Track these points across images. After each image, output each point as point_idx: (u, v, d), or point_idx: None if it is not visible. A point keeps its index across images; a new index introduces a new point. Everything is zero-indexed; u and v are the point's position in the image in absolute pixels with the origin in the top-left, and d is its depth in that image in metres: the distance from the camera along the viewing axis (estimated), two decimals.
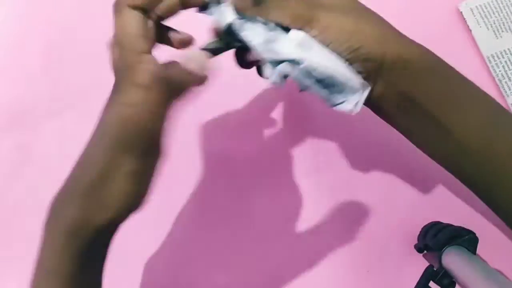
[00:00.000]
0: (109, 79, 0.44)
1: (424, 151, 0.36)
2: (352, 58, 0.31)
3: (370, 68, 0.31)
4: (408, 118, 0.33)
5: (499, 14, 0.43)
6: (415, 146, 0.42)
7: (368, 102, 0.33)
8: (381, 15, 0.46)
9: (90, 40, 0.45)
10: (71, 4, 0.45)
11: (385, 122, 0.34)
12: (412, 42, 0.33)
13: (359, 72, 0.31)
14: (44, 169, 0.42)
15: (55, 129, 0.43)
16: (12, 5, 0.45)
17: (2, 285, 0.40)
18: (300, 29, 0.30)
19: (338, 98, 0.31)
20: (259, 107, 0.43)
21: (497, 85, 0.43)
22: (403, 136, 0.43)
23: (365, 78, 0.31)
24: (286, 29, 0.30)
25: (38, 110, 0.43)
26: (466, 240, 0.37)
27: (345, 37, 0.30)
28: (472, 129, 0.32)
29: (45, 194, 0.42)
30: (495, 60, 0.43)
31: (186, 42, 0.32)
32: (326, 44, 0.30)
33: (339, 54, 0.30)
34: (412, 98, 0.32)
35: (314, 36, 0.30)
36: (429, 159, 0.42)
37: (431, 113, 0.32)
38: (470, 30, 0.44)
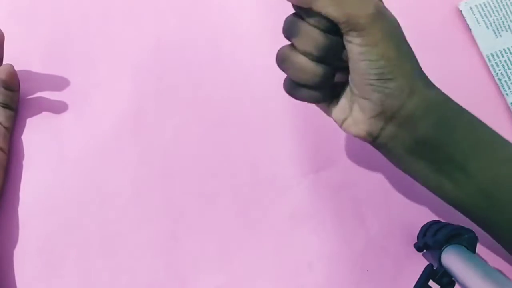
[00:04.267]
0: (109, 79, 0.44)
1: (435, 193, 0.34)
2: (377, 87, 0.30)
3: (390, 106, 0.30)
4: (423, 164, 0.32)
5: (498, 13, 0.43)
6: None
7: (374, 141, 0.32)
8: None
9: (90, 40, 0.45)
10: (71, 3, 0.45)
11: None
12: (435, 86, 0.32)
13: (378, 103, 0.30)
14: (43, 168, 0.42)
15: (54, 129, 0.43)
16: (12, 4, 0.45)
17: (3, 283, 0.40)
18: (348, 31, 0.29)
19: None
20: (259, 107, 0.43)
21: (496, 84, 0.43)
22: None
23: (378, 114, 0.31)
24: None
25: (38, 109, 0.43)
26: (466, 239, 0.37)
27: (383, 63, 0.29)
28: (493, 171, 0.31)
29: (45, 194, 0.42)
30: (494, 59, 0.43)
31: None
32: (362, 59, 0.29)
33: (366, 74, 0.29)
34: (432, 144, 0.31)
35: (357, 44, 0.29)
36: None
37: (453, 158, 0.31)
38: (470, 29, 0.44)
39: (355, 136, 0.33)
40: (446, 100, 0.32)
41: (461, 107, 0.32)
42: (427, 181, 0.34)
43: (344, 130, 0.33)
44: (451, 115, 0.32)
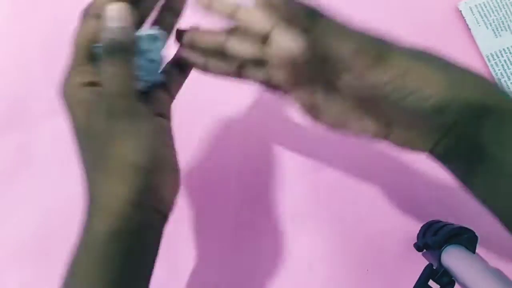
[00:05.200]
0: None
1: (491, 206, 0.32)
2: (431, 111, 0.26)
3: (447, 121, 0.27)
4: (480, 172, 0.29)
5: (498, 13, 0.43)
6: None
7: (432, 153, 0.30)
8: (382, 14, 0.46)
9: None
10: (71, 3, 0.45)
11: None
12: (491, 84, 0.28)
13: (429, 126, 0.27)
14: (43, 168, 0.42)
15: (54, 129, 0.43)
16: (11, 4, 0.45)
17: (2, 283, 0.40)
18: (365, 67, 0.25)
19: None
20: (259, 107, 0.43)
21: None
22: None
23: (432, 131, 0.28)
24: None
25: (38, 109, 0.43)
26: (466, 239, 0.37)
27: (426, 85, 0.26)
28: None
29: (45, 194, 0.42)
30: (494, 59, 0.43)
31: None
32: (405, 94, 0.25)
33: (418, 106, 0.26)
34: (491, 152, 0.28)
35: (386, 83, 0.25)
36: (428, 158, 0.42)
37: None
38: (469, 29, 0.44)
39: (406, 149, 0.30)
40: (508, 100, 0.28)
41: None
42: (479, 191, 0.31)
43: (392, 143, 0.30)
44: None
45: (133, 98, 0.28)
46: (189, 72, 0.34)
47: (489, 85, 0.28)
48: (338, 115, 0.30)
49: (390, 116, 0.28)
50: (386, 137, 0.30)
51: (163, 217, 0.31)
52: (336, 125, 0.31)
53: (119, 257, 0.29)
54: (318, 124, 0.32)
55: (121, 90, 0.28)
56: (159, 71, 0.31)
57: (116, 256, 0.28)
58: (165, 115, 0.32)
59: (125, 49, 0.28)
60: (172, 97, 0.33)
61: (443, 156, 0.30)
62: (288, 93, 0.31)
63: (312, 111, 0.31)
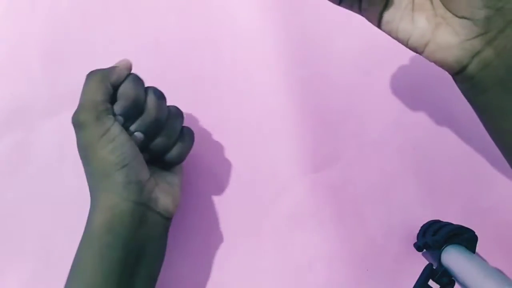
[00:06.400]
0: None
1: (503, 137, 0.31)
2: (489, 1, 0.27)
3: (496, 25, 0.27)
4: (506, 99, 0.29)
5: None
6: (415, 145, 0.42)
7: (460, 72, 0.29)
8: None
9: (89, 39, 0.45)
10: (71, 3, 0.45)
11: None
12: None
13: (482, 22, 0.27)
14: (43, 168, 0.42)
15: (54, 128, 0.43)
16: (11, 3, 0.45)
17: (2, 283, 0.40)
18: None
19: None
20: (259, 106, 0.43)
21: None
22: (402, 135, 0.43)
23: (477, 35, 0.28)
24: None
25: (37, 108, 0.43)
26: (465, 238, 0.37)
27: None
28: None
29: (44, 193, 0.42)
30: None
31: None
32: None
33: None
34: None
35: None
36: (428, 158, 0.42)
37: None
38: None
39: (440, 63, 0.30)
40: None
41: None
42: (505, 120, 0.30)
43: (426, 57, 0.30)
44: None
45: (100, 106, 0.33)
46: None
47: None
48: (393, 12, 0.31)
49: (448, 14, 0.29)
50: (425, 45, 0.30)
51: (163, 218, 0.34)
52: (387, 24, 0.31)
53: (115, 250, 0.31)
54: (369, 20, 0.32)
55: (87, 101, 0.33)
56: None
57: (112, 249, 0.31)
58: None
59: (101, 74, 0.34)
60: None
61: (476, 78, 0.29)
62: None
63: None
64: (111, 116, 0.33)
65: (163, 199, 0.34)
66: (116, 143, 0.32)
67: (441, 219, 0.40)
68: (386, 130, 0.43)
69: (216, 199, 0.41)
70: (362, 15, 0.33)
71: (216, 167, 0.42)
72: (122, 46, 0.44)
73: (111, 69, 0.34)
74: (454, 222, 0.39)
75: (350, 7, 0.32)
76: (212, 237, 0.41)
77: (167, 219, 0.35)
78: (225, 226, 0.41)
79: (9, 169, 0.42)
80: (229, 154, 0.42)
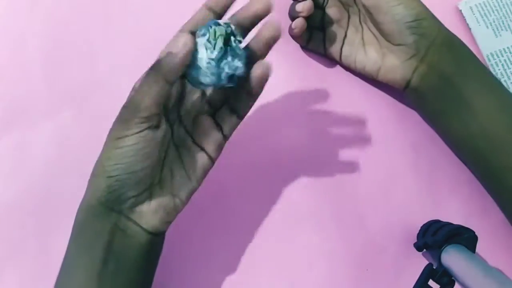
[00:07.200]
0: (108, 78, 0.44)
1: (445, 135, 0.40)
2: (414, 28, 0.36)
3: (424, 45, 0.36)
4: (441, 100, 0.37)
5: (498, 13, 0.43)
6: (415, 145, 0.42)
7: (407, 87, 0.38)
8: None
9: (89, 39, 0.45)
10: (71, 3, 0.45)
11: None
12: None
13: (413, 45, 0.36)
14: (42, 168, 0.42)
15: (54, 128, 0.43)
16: (11, 3, 0.45)
17: (2, 283, 0.40)
18: None
19: None
20: (259, 106, 0.43)
21: None
22: (402, 135, 0.43)
23: (412, 56, 0.37)
24: None
25: (37, 108, 0.43)
26: (465, 238, 0.37)
27: (415, 3, 0.36)
28: (493, 113, 0.36)
29: (44, 193, 0.42)
30: (494, 59, 0.43)
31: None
32: (398, 3, 0.35)
33: (404, 18, 0.36)
34: (451, 80, 0.36)
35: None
36: (428, 158, 0.42)
37: (464, 96, 0.36)
38: (470, 29, 0.44)
39: (392, 82, 0.39)
40: (461, 41, 0.38)
41: (473, 53, 0.38)
42: (441, 122, 0.39)
43: (381, 80, 0.40)
44: (468, 55, 0.38)
45: (137, 114, 0.29)
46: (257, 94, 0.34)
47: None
48: (349, 48, 0.41)
49: (385, 31, 0.37)
50: (378, 71, 0.39)
51: (146, 233, 0.32)
52: (346, 58, 0.41)
53: (93, 249, 0.31)
54: (331, 57, 0.42)
55: (131, 103, 0.30)
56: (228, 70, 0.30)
57: (90, 247, 0.31)
58: (226, 136, 0.35)
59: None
60: (239, 117, 0.35)
61: (418, 89, 0.38)
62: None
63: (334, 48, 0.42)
64: (142, 126, 0.29)
65: (149, 216, 0.32)
66: (120, 152, 0.30)
67: (441, 219, 0.40)
68: (387, 130, 0.43)
69: (214, 198, 0.41)
70: (325, 55, 0.42)
71: (215, 166, 0.42)
72: (122, 46, 0.44)
73: (163, 60, 0.29)
74: (454, 222, 0.39)
75: (316, 48, 0.42)
76: (211, 237, 0.41)
77: (154, 234, 0.32)
78: (224, 225, 0.41)
79: (9, 169, 0.42)
80: (228, 153, 0.42)
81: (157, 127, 0.30)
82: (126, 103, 0.31)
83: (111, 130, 0.31)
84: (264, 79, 0.32)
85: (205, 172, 0.34)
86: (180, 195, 0.33)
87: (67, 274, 0.32)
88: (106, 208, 0.31)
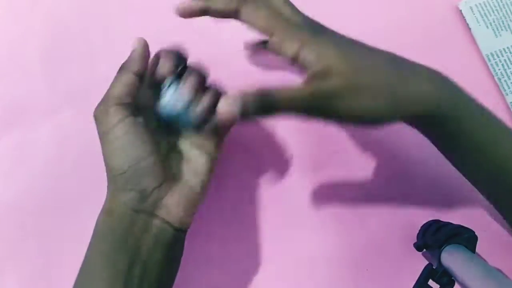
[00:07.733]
0: (108, 78, 0.44)
1: (461, 171, 0.36)
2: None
3: (424, 123, 0.33)
4: (450, 146, 0.34)
5: (498, 13, 0.43)
6: (415, 145, 0.42)
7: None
8: (382, 14, 0.46)
9: (89, 39, 0.45)
10: (71, 3, 0.45)
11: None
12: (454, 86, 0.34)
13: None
14: (42, 168, 0.42)
15: (54, 128, 0.43)
16: (11, 3, 0.45)
17: (2, 283, 0.40)
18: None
19: None
20: None
21: (496, 83, 0.43)
22: (402, 135, 0.43)
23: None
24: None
25: (37, 108, 0.43)
26: (465, 238, 0.37)
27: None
28: (503, 158, 0.33)
29: (44, 193, 0.42)
30: (494, 59, 0.43)
31: None
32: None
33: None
34: (457, 136, 0.33)
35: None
36: (428, 158, 0.42)
37: (473, 145, 0.33)
38: (470, 29, 0.44)
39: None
40: (471, 100, 0.34)
41: (479, 105, 0.35)
42: (454, 160, 0.36)
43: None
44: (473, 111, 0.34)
45: (112, 103, 0.31)
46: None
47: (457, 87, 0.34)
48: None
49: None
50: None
51: (173, 229, 0.32)
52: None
53: (119, 253, 0.30)
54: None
55: (105, 94, 0.32)
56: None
57: (116, 251, 0.30)
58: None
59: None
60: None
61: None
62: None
63: None
64: (121, 113, 0.31)
65: (174, 208, 0.32)
66: (117, 145, 0.31)
67: (441, 219, 0.40)
68: (387, 130, 0.43)
69: (215, 198, 0.41)
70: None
71: (216, 166, 0.42)
72: (122, 46, 0.44)
73: (129, 57, 0.34)
74: (454, 222, 0.39)
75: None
76: (211, 236, 0.41)
77: (179, 230, 0.33)
78: (224, 225, 0.41)
79: (9, 169, 0.42)
80: (228, 154, 0.42)
81: (137, 116, 0.32)
82: (102, 99, 0.32)
83: (98, 130, 0.32)
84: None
85: (211, 164, 0.35)
86: (194, 188, 0.33)
87: (88, 280, 0.31)
88: (132, 210, 0.31)
